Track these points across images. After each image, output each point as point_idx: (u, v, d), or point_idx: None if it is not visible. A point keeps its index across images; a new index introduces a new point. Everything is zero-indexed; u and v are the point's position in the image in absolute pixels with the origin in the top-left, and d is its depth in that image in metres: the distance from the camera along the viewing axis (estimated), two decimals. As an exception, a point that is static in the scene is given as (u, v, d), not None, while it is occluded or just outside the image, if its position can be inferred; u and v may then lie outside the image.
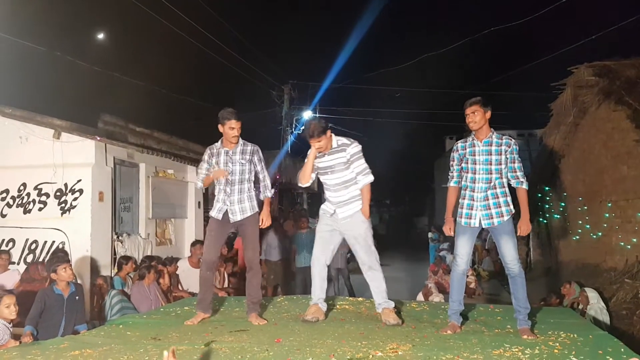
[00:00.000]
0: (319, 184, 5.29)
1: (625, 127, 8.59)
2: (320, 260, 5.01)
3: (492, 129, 4.56)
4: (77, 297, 5.15)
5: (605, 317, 6.85)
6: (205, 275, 5.12)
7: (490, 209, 4.47)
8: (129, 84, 13.11)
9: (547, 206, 11.53)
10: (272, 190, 5.28)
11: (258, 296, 5.14)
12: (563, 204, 10.63)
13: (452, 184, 4.74)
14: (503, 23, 12.08)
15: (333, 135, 4.91)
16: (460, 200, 4.64)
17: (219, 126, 5.01)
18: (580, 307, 7.02)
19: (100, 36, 15.20)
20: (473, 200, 4.52)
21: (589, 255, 9.45)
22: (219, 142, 5.15)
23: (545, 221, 11.66)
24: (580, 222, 9.79)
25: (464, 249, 4.62)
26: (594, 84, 9.31)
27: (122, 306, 6.20)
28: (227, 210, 5.05)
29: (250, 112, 18.53)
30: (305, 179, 4.98)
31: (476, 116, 4.48)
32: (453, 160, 4.71)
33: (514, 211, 4.51)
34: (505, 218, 4.45)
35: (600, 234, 9.06)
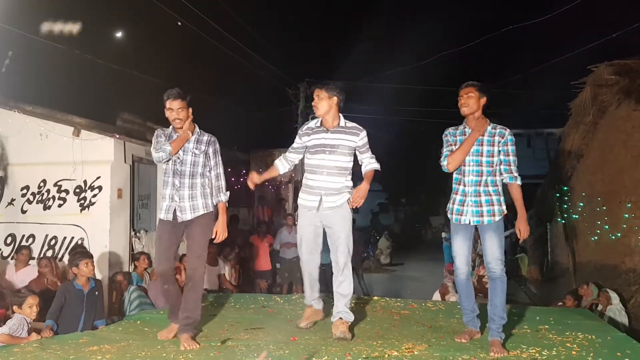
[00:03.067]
0: None
1: (645, 126, 8.47)
2: (310, 263, 4.53)
3: (487, 119, 4.17)
4: (96, 293, 5.22)
5: (624, 319, 6.78)
6: (166, 289, 4.40)
7: (481, 206, 4.08)
8: (146, 82, 13.22)
9: (565, 206, 11.39)
10: (227, 194, 4.49)
11: (195, 315, 4.28)
12: (581, 204, 10.49)
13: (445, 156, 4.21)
14: (521, 21, 11.95)
15: (341, 115, 4.45)
16: (452, 195, 4.25)
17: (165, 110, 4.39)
18: (600, 308, 6.95)
19: (119, 34, 15.33)
20: (465, 195, 4.14)
21: (607, 256, 9.33)
22: (170, 127, 4.48)
23: (563, 221, 11.53)
24: (599, 222, 9.66)
25: (461, 249, 4.19)
26: (613, 83, 9.19)
27: (141, 302, 6.27)
28: (175, 209, 4.32)
29: (265, 109, 18.61)
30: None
31: (469, 99, 4.12)
32: (448, 144, 4.24)
33: (505, 212, 4.11)
34: (497, 218, 4.07)
35: (619, 234, 8.94)
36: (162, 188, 4.49)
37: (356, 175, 4.58)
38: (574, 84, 10.05)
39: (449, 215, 4.27)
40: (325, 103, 4.36)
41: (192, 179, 4.39)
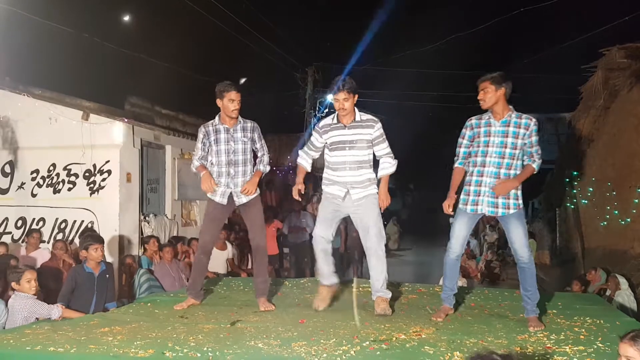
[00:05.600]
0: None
1: (657, 111, 8.38)
2: (322, 239, 4.67)
3: (511, 107, 4.15)
4: (107, 276, 5.25)
5: (632, 304, 6.76)
6: (200, 258, 4.95)
7: (497, 197, 4.11)
8: (154, 66, 13.21)
9: (574, 191, 11.33)
10: (267, 167, 4.90)
11: (266, 279, 4.93)
12: (591, 189, 10.43)
13: (457, 164, 4.35)
14: (533, 4, 11.79)
15: (356, 108, 4.56)
16: (466, 186, 4.25)
17: (217, 101, 4.71)
18: (608, 293, 6.93)
19: (127, 18, 15.30)
20: (481, 185, 4.15)
21: (616, 241, 9.29)
22: (216, 118, 4.80)
23: (572, 206, 11.48)
24: (608, 207, 9.61)
25: (461, 232, 4.30)
26: (625, 66, 9.07)
27: (150, 284, 6.33)
28: (231, 193, 4.76)
29: (273, 94, 18.55)
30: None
31: (486, 94, 4.09)
32: (463, 138, 4.31)
33: (522, 206, 4.18)
34: (511, 211, 4.12)
35: (629, 220, 8.89)
36: (214, 175, 4.78)
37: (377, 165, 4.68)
38: (585, 68, 9.92)
39: (461, 206, 4.29)
40: (350, 103, 4.46)
41: (244, 166, 4.78)
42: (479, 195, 4.18)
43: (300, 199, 4.91)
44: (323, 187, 4.70)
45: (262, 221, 4.94)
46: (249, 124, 4.83)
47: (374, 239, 4.53)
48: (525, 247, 4.16)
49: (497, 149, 4.12)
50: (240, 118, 4.79)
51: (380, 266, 4.58)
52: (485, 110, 4.24)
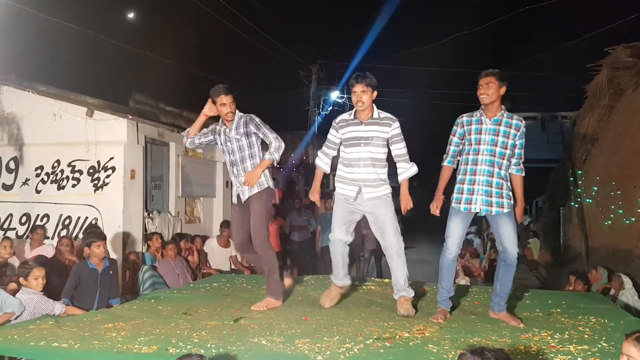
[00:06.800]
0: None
1: (663, 110, 8.35)
2: (340, 242, 4.63)
3: (503, 106, 4.15)
4: (110, 272, 5.26)
5: (637, 303, 6.73)
6: (248, 258, 5.17)
7: (492, 196, 4.11)
8: (159, 63, 13.22)
9: (579, 190, 11.30)
10: (276, 156, 4.70)
11: (273, 274, 4.80)
12: (595, 188, 10.41)
13: (446, 163, 4.36)
14: (538, 2, 11.75)
15: (375, 105, 4.46)
16: (458, 185, 4.24)
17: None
18: (612, 292, 6.92)
19: (132, 14, 15.32)
20: (474, 184, 4.14)
21: (620, 240, 9.27)
22: (220, 120, 4.86)
23: (577, 205, 11.45)
24: (612, 206, 9.58)
25: (456, 232, 4.26)
26: (631, 65, 9.05)
27: (154, 281, 6.34)
28: (239, 193, 4.81)
29: (277, 92, 18.56)
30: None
31: (489, 89, 4.04)
32: (454, 135, 4.29)
33: (513, 204, 4.19)
34: (505, 210, 4.12)
35: (633, 219, 8.86)
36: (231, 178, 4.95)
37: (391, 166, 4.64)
38: (590, 67, 9.90)
39: (454, 205, 4.26)
40: (368, 97, 4.38)
41: (243, 163, 4.73)
42: (473, 194, 4.16)
43: (318, 204, 4.99)
44: (336, 185, 4.64)
45: (260, 219, 4.73)
46: (242, 119, 4.74)
47: (393, 239, 4.49)
48: (516, 246, 4.14)
49: (488, 146, 4.12)
50: (238, 115, 4.75)
51: (401, 264, 4.54)
52: (474, 103, 4.25)
